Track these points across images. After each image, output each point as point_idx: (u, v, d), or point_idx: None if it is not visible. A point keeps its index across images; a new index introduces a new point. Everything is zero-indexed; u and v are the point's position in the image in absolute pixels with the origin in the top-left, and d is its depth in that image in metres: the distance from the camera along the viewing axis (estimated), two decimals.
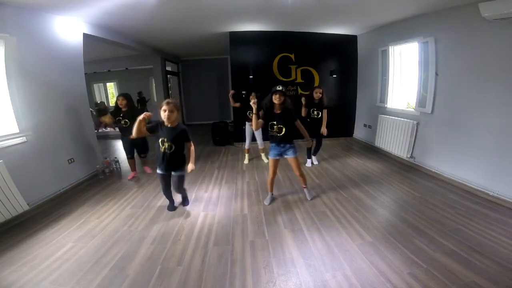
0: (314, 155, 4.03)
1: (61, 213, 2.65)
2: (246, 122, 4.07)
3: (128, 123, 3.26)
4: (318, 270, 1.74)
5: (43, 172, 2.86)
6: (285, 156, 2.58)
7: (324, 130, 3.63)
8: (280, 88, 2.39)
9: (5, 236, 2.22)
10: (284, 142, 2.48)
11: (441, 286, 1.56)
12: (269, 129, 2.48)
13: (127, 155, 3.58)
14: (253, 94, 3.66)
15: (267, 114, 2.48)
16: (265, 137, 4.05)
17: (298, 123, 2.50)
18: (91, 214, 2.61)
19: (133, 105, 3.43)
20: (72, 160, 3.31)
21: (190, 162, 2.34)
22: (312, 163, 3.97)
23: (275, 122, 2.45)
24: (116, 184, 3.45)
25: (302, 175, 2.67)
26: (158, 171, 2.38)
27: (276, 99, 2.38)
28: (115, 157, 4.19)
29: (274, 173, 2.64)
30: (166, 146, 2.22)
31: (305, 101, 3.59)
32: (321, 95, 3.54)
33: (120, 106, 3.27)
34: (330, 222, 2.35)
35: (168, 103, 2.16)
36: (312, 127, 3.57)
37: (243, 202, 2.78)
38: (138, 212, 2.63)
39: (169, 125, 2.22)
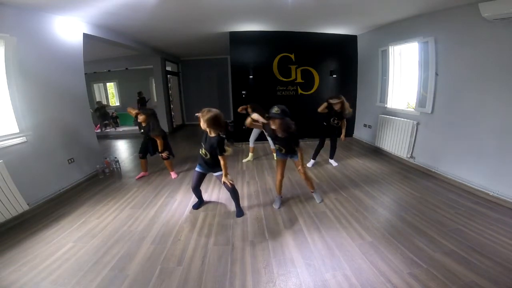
0: (332, 158, 4.03)
1: (61, 213, 2.65)
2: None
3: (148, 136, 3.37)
4: (318, 270, 1.74)
5: (43, 172, 2.86)
6: (292, 158, 2.56)
7: (343, 137, 3.81)
8: (277, 111, 2.21)
9: (5, 236, 2.22)
10: (289, 153, 2.52)
11: (441, 286, 1.56)
12: (275, 143, 2.51)
13: (139, 153, 3.58)
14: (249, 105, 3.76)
15: (268, 132, 2.45)
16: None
17: (300, 149, 2.40)
18: (91, 214, 2.61)
19: (151, 122, 3.27)
20: (72, 160, 3.31)
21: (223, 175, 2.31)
22: (312, 164, 3.98)
23: (277, 142, 2.45)
24: (116, 184, 3.45)
25: (306, 177, 2.60)
26: (197, 168, 2.46)
27: (272, 124, 2.25)
28: (115, 157, 4.18)
29: (282, 174, 2.58)
30: (203, 152, 2.32)
31: (325, 107, 3.53)
32: (341, 106, 3.44)
33: (140, 121, 3.29)
34: (330, 222, 2.35)
35: (202, 111, 2.17)
36: (329, 131, 3.75)
37: (243, 202, 2.78)
38: (138, 212, 2.63)
39: (208, 133, 2.24)
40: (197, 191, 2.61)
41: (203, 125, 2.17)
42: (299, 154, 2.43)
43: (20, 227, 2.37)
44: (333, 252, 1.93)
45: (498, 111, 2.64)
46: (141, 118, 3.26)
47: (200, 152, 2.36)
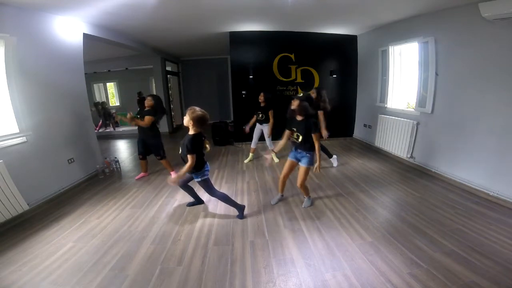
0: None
1: (61, 213, 2.65)
2: (256, 123, 4.03)
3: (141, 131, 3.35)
4: (318, 270, 1.74)
5: (43, 172, 2.86)
6: (299, 163, 2.51)
7: (324, 132, 3.50)
8: (300, 95, 2.45)
9: (5, 236, 2.22)
10: (300, 148, 2.43)
11: (441, 286, 1.56)
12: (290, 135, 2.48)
13: (139, 155, 3.54)
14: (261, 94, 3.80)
15: (290, 122, 2.47)
16: (273, 137, 4.02)
17: (316, 136, 2.33)
18: (91, 214, 2.61)
19: (157, 106, 3.40)
20: (72, 160, 3.31)
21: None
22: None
23: (294, 129, 2.41)
24: (116, 184, 3.45)
25: (302, 186, 2.53)
26: None
27: (293, 104, 2.37)
28: (115, 157, 4.19)
29: (286, 173, 2.58)
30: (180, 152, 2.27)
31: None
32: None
33: (147, 106, 3.31)
34: (330, 222, 2.35)
35: (189, 108, 2.16)
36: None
37: (243, 202, 2.77)
38: (138, 212, 2.63)
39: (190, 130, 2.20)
40: (186, 188, 2.58)
41: (187, 121, 2.13)
42: (316, 145, 2.33)
43: (20, 227, 2.37)
44: (333, 252, 1.93)
45: (498, 111, 2.64)
46: (150, 103, 3.31)
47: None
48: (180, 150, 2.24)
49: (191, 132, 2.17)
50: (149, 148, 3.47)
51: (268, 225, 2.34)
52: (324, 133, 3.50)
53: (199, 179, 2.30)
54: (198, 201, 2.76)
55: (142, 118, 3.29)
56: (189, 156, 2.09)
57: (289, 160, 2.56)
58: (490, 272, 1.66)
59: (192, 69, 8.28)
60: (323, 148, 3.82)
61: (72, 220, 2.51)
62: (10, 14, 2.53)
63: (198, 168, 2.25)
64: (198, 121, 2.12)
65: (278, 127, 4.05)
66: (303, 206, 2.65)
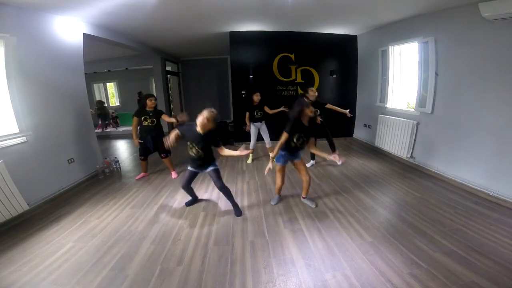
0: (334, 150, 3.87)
1: (61, 213, 2.65)
2: (252, 123, 4.02)
3: (155, 122, 3.39)
4: (318, 270, 1.74)
5: (43, 172, 2.86)
6: (294, 161, 2.53)
7: (345, 112, 3.75)
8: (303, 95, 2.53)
9: (5, 236, 2.22)
10: (300, 149, 2.50)
11: (441, 286, 1.56)
12: (295, 140, 2.37)
13: (140, 156, 3.54)
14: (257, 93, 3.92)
15: (296, 126, 2.36)
16: (271, 136, 4.04)
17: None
18: (91, 214, 2.61)
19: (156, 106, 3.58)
20: (72, 160, 3.31)
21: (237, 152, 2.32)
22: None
23: (302, 134, 2.37)
24: (116, 184, 3.45)
25: (310, 177, 2.57)
26: (189, 168, 2.53)
27: (311, 112, 2.33)
28: (115, 157, 4.19)
29: (283, 181, 2.63)
30: (194, 151, 2.37)
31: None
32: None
33: (150, 107, 3.39)
34: (330, 222, 2.35)
35: (209, 111, 2.33)
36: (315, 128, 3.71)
37: (243, 202, 2.78)
38: (138, 212, 2.63)
39: (200, 132, 2.33)
40: (188, 189, 2.63)
41: (205, 123, 2.30)
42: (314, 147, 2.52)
43: (20, 227, 2.37)
44: (333, 252, 1.93)
45: (498, 110, 2.64)
46: (153, 103, 3.42)
47: (191, 153, 2.40)
48: (197, 146, 2.36)
49: (201, 131, 2.34)
50: (158, 146, 3.48)
51: (268, 225, 2.34)
52: (346, 111, 3.72)
53: (215, 168, 2.49)
54: (195, 199, 2.79)
55: (158, 118, 3.41)
56: (220, 150, 2.43)
57: (283, 166, 2.55)
58: (490, 272, 1.66)
59: (192, 69, 8.28)
60: (331, 144, 3.87)
61: (72, 220, 2.51)
62: (10, 14, 2.53)
63: (214, 159, 2.52)
64: (215, 120, 2.39)
65: (273, 126, 4.06)
66: (313, 206, 2.63)
